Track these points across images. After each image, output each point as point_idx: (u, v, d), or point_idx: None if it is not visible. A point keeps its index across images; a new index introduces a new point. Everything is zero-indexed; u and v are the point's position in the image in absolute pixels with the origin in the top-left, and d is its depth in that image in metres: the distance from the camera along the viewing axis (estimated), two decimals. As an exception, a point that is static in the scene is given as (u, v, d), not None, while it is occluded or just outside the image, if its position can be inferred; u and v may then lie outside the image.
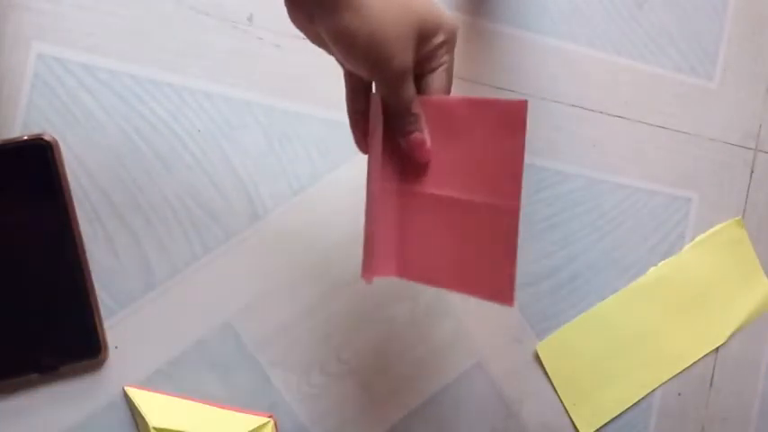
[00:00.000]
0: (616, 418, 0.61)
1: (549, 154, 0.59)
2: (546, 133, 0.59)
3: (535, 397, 0.59)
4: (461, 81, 0.57)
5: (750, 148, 0.65)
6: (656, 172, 0.62)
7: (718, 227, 0.64)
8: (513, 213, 0.38)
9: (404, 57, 0.36)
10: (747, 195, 0.65)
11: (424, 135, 0.39)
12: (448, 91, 0.40)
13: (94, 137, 0.50)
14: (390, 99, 0.38)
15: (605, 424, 0.61)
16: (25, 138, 0.47)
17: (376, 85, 0.38)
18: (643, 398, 0.62)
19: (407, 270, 0.42)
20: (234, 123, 0.52)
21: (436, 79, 0.39)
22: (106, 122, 0.50)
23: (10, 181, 0.47)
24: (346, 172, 0.54)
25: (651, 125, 0.62)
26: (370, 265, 0.40)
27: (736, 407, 0.65)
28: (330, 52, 0.38)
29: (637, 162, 0.62)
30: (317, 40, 0.38)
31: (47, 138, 0.47)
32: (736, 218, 0.64)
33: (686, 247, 0.63)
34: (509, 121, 0.37)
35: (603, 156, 0.61)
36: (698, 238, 0.63)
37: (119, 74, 0.50)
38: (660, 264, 0.62)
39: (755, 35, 0.65)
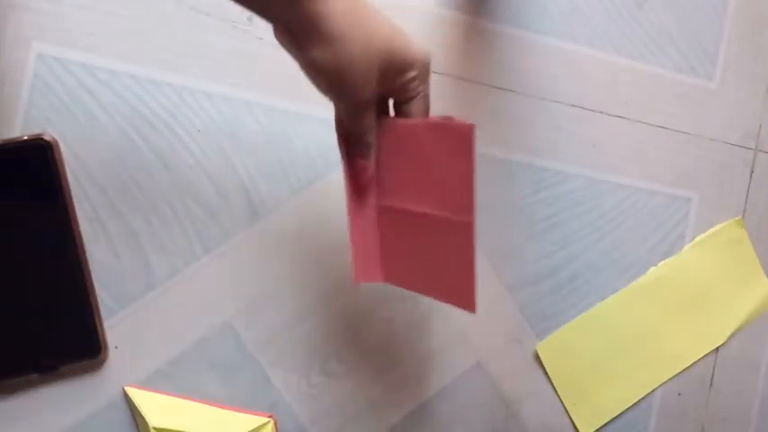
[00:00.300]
0: (616, 418, 0.61)
1: (549, 154, 0.59)
2: (546, 133, 0.59)
3: (535, 397, 0.59)
4: (461, 81, 0.57)
5: (750, 148, 0.65)
6: (656, 172, 0.62)
7: (718, 227, 0.64)
8: (468, 228, 0.41)
9: (364, 91, 0.39)
10: (747, 195, 0.65)
11: (368, 163, 0.44)
12: (426, 115, 0.43)
13: (94, 137, 0.50)
14: (349, 126, 0.42)
15: (605, 424, 0.61)
16: (25, 138, 0.47)
17: (339, 112, 0.42)
18: (643, 398, 0.62)
19: (391, 276, 0.47)
20: (234, 123, 0.52)
21: (414, 106, 0.42)
22: (106, 122, 0.50)
23: (10, 181, 0.47)
24: (346, 172, 0.54)
25: (651, 125, 0.62)
26: (355, 273, 0.45)
27: (736, 407, 0.65)
28: None
29: (637, 162, 0.62)
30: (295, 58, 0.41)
31: (47, 138, 0.47)
32: (736, 218, 0.64)
33: (686, 247, 0.63)
34: (460, 143, 0.40)
35: (603, 156, 0.61)
36: (698, 238, 0.63)
37: (119, 74, 0.50)
38: (660, 264, 0.62)
39: (755, 35, 0.65)
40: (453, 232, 0.42)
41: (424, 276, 0.45)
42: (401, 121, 0.43)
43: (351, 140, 0.43)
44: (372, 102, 0.41)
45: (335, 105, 0.42)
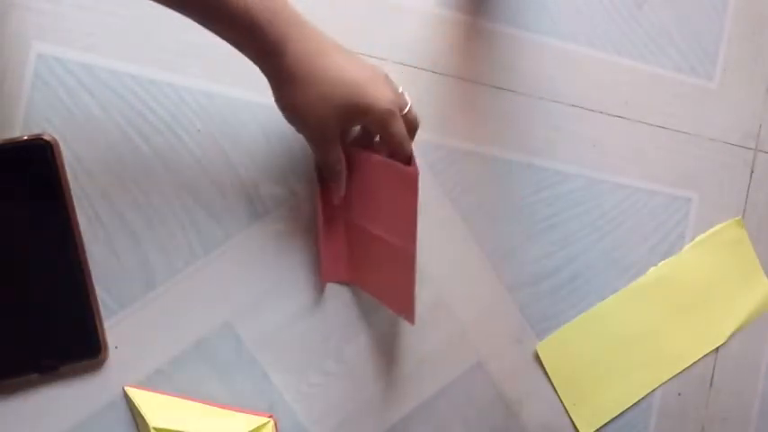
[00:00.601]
0: (616, 418, 0.61)
1: (548, 154, 0.59)
2: (546, 133, 0.59)
3: (535, 397, 0.59)
4: (461, 81, 0.57)
5: (750, 148, 0.65)
6: (656, 172, 0.62)
7: (718, 227, 0.64)
8: (410, 254, 0.48)
9: (325, 129, 0.45)
10: (747, 195, 0.65)
11: (339, 186, 0.49)
12: (402, 149, 0.47)
13: (94, 137, 0.50)
14: (319, 159, 0.49)
15: (605, 424, 0.61)
16: (25, 138, 0.47)
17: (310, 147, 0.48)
18: (643, 398, 0.62)
19: (354, 279, 0.54)
20: (234, 123, 0.52)
21: (387, 143, 0.47)
22: (106, 122, 0.50)
23: (10, 181, 0.47)
24: (346, 172, 0.54)
25: (651, 125, 0.62)
26: (322, 272, 0.53)
27: (736, 407, 0.65)
28: None
29: (637, 162, 0.62)
30: None
31: (47, 138, 0.47)
32: (736, 218, 0.64)
33: (686, 247, 0.63)
34: (407, 183, 0.46)
35: (603, 156, 0.61)
36: (698, 238, 0.63)
37: (119, 74, 0.50)
38: (660, 264, 0.62)
39: (755, 35, 0.65)
40: (399, 256, 0.48)
41: (378, 285, 0.52)
42: (364, 153, 0.49)
43: (323, 169, 0.49)
44: (335, 138, 0.46)
45: (307, 141, 0.48)
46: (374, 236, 0.50)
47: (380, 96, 0.45)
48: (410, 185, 0.46)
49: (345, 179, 0.49)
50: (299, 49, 0.42)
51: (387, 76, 0.47)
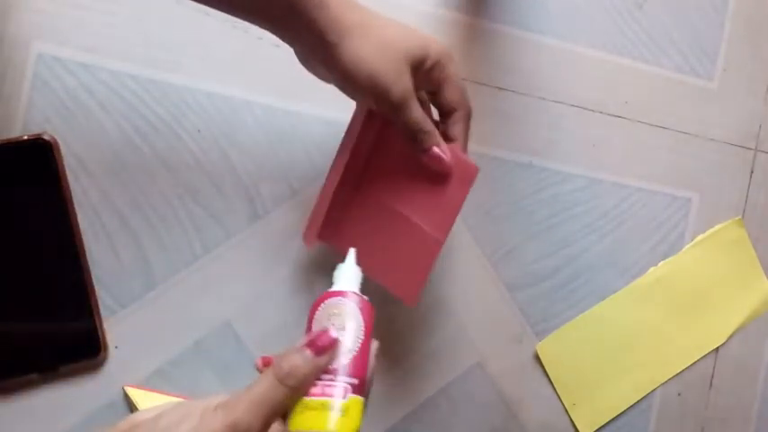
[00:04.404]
0: (616, 418, 0.61)
1: (549, 154, 0.59)
2: (546, 133, 0.59)
3: (535, 397, 0.59)
4: (462, 81, 0.57)
5: (750, 148, 0.65)
6: (656, 172, 0.62)
7: (718, 227, 0.64)
8: (438, 244, 0.46)
9: (401, 84, 0.40)
10: (747, 195, 0.65)
11: (441, 149, 0.44)
12: (462, 98, 0.44)
13: (94, 137, 0.50)
14: (401, 123, 0.42)
15: (605, 424, 0.61)
16: (25, 137, 0.47)
17: (387, 115, 0.42)
18: (643, 398, 0.62)
19: (342, 246, 0.47)
20: (234, 123, 0.52)
21: (447, 93, 0.44)
22: (106, 122, 0.50)
23: (10, 181, 0.47)
24: (346, 172, 0.54)
25: (651, 125, 0.62)
26: (305, 232, 0.49)
27: (736, 407, 0.65)
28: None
29: (637, 162, 0.62)
30: (328, 79, 0.43)
31: (47, 137, 0.47)
32: (736, 218, 0.64)
33: (686, 247, 0.63)
34: (463, 176, 0.45)
35: (603, 156, 0.61)
36: (698, 238, 0.63)
37: (119, 74, 0.50)
38: (660, 264, 0.62)
39: (755, 35, 0.65)
40: (423, 242, 0.47)
41: (377, 261, 0.48)
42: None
43: (410, 137, 0.43)
44: (412, 88, 0.41)
45: (381, 109, 0.42)
46: (398, 214, 0.48)
47: (429, 36, 0.42)
48: (465, 179, 0.46)
49: (385, 152, 0.45)
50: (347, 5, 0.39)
51: None
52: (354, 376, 0.37)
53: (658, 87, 0.62)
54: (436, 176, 0.46)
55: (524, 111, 0.59)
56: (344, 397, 0.36)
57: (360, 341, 0.38)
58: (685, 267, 0.63)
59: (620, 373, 0.61)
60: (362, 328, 0.38)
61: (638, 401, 0.62)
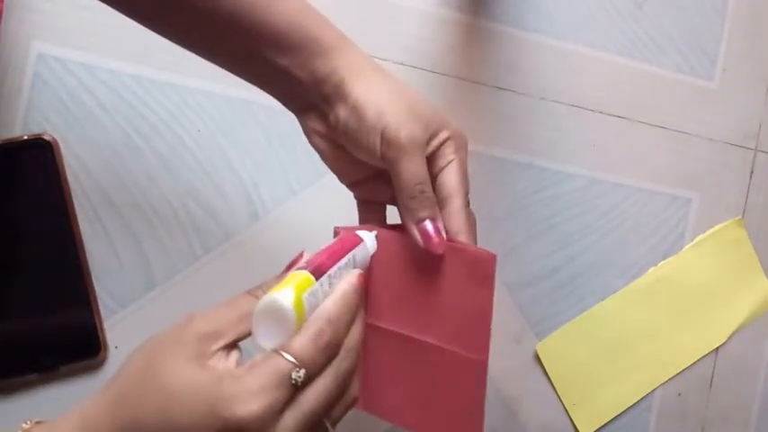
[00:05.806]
0: (616, 418, 0.61)
1: (549, 154, 0.59)
2: (546, 133, 0.59)
3: (535, 397, 0.59)
4: (462, 81, 0.57)
5: (750, 148, 0.65)
6: (656, 172, 0.62)
7: (718, 227, 0.64)
8: (482, 367, 0.37)
9: (414, 129, 0.36)
10: (747, 195, 0.65)
11: (436, 224, 0.37)
12: (463, 188, 0.39)
13: (94, 137, 0.50)
14: (402, 176, 0.36)
15: (605, 424, 0.61)
16: (25, 137, 0.47)
17: (389, 163, 0.37)
18: (643, 398, 0.62)
19: (372, 404, 0.41)
20: (234, 123, 0.52)
21: (451, 173, 0.38)
22: (106, 122, 0.50)
23: (10, 181, 0.47)
24: (346, 172, 0.54)
25: (651, 125, 0.62)
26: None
27: (736, 407, 0.65)
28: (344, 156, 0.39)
29: (637, 162, 0.62)
30: (335, 159, 0.40)
31: (47, 137, 0.47)
32: (737, 218, 0.64)
33: (686, 247, 0.63)
34: (478, 271, 0.37)
35: (603, 156, 0.61)
36: (698, 238, 0.63)
37: (119, 74, 0.50)
38: (660, 264, 0.62)
39: (755, 35, 0.65)
40: (465, 369, 0.38)
41: (418, 410, 0.40)
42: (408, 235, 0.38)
43: (406, 195, 0.37)
44: (422, 146, 0.36)
45: (384, 156, 0.36)
46: (417, 343, 0.38)
47: (451, 119, 0.39)
48: (484, 275, 0.36)
49: (385, 267, 0.39)
50: (356, 48, 0.38)
51: None
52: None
53: (658, 87, 0.62)
54: (451, 284, 0.37)
55: (524, 111, 0.59)
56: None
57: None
58: (685, 267, 0.63)
59: (620, 373, 0.61)
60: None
61: (638, 401, 0.62)
